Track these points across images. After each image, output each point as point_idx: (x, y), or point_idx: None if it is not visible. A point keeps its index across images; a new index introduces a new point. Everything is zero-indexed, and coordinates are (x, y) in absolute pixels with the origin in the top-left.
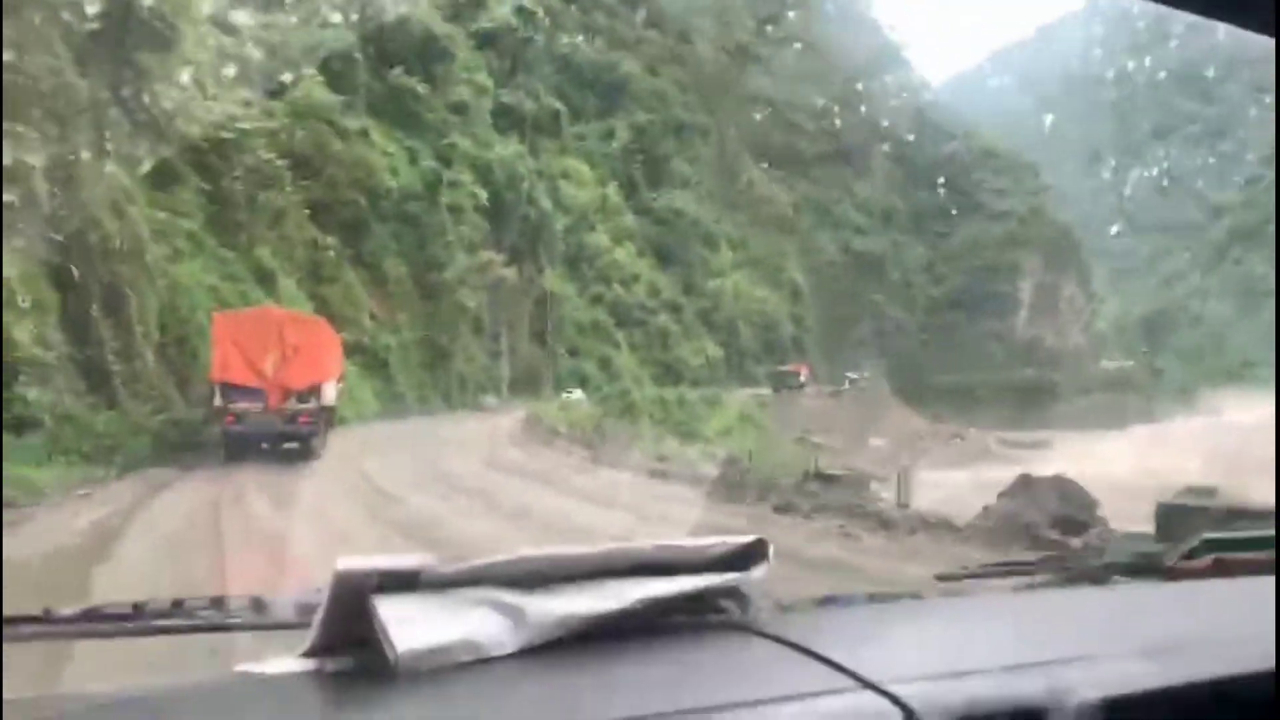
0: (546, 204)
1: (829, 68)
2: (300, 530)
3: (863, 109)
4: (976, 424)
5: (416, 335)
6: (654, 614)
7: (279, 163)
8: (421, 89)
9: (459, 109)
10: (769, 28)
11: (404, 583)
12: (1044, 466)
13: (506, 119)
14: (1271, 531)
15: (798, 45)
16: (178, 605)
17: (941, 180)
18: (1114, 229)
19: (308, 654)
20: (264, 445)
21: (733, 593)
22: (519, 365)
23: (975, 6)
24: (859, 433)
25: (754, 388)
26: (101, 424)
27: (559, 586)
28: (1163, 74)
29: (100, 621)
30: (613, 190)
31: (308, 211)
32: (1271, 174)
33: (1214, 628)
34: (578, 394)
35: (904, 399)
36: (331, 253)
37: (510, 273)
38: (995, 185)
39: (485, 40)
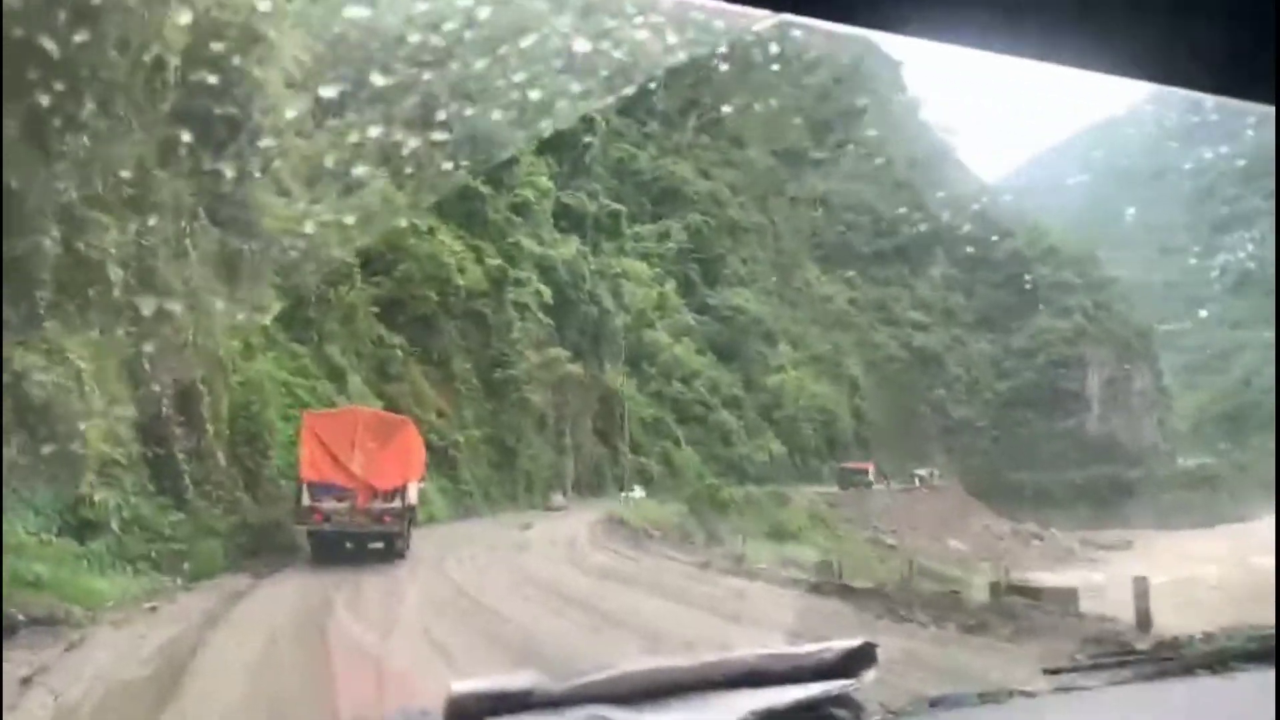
0: (608, 302)
1: (882, 169)
2: (397, 647)
3: (918, 208)
4: (1052, 523)
5: (483, 433)
6: None
7: (349, 260)
8: (485, 189)
9: (521, 209)
10: (822, 132)
11: (516, 704)
12: (1132, 567)
13: (567, 220)
14: None
15: (850, 147)
16: None
17: (1003, 277)
18: (1188, 323)
19: None
20: (348, 545)
21: (844, 700)
22: (583, 462)
23: (1038, 101)
24: (934, 532)
25: (818, 485)
26: (170, 526)
27: (669, 700)
28: (1241, 162)
29: None
30: (670, 288)
31: (376, 309)
32: None
33: None
34: (639, 492)
35: (976, 497)
36: (399, 350)
37: (576, 368)
38: (1058, 279)
39: (545, 144)
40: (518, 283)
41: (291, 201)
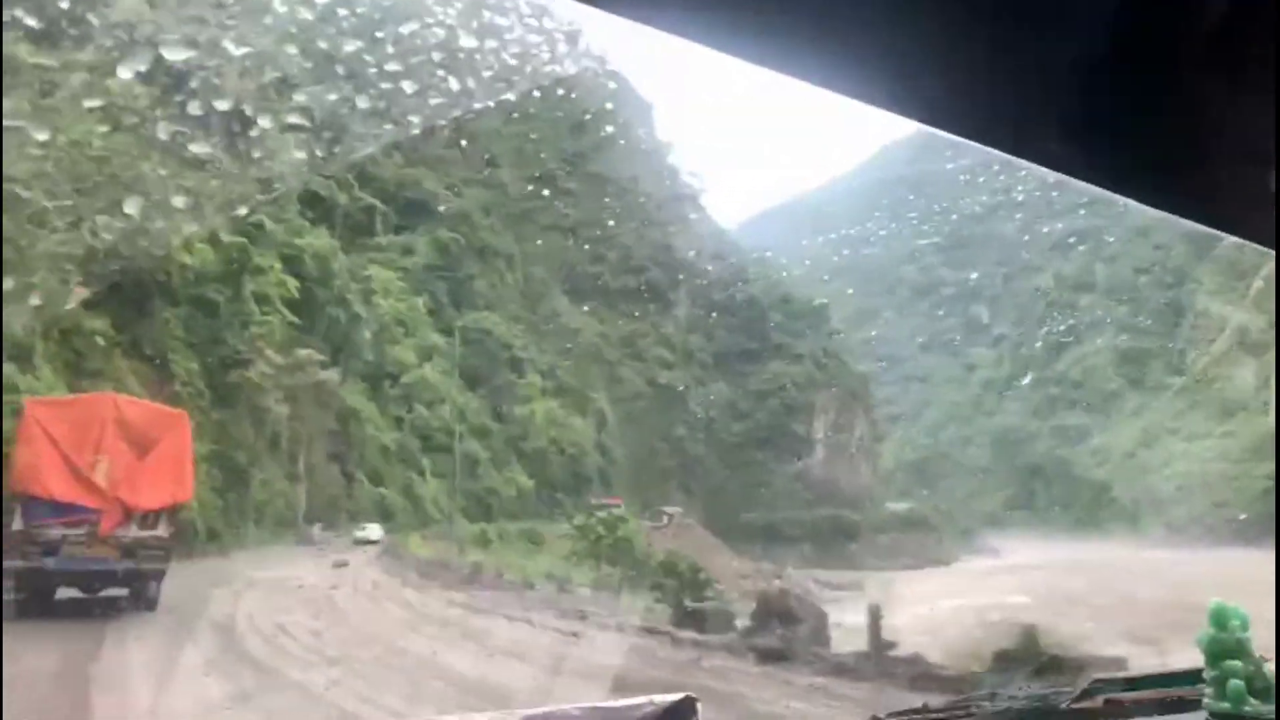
0: (358, 306)
1: (632, 206)
2: None
3: (665, 248)
4: (783, 562)
5: (209, 449)
6: None
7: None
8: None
9: (264, 185)
10: (574, 163)
11: None
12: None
13: (314, 210)
14: (1156, 673)
15: (605, 183)
16: None
17: (741, 320)
18: (885, 379)
19: None
20: (79, 591)
21: None
22: (316, 491)
23: (784, 152)
24: None
25: (566, 522)
26: None
27: None
28: (934, 239)
29: None
30: (421, 303)
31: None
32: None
33: None
34: (375, 529)
35: (713, 536)
36: (99, 339)
37: (330, 376)
38: (792, 328)
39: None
40: (258, 269)
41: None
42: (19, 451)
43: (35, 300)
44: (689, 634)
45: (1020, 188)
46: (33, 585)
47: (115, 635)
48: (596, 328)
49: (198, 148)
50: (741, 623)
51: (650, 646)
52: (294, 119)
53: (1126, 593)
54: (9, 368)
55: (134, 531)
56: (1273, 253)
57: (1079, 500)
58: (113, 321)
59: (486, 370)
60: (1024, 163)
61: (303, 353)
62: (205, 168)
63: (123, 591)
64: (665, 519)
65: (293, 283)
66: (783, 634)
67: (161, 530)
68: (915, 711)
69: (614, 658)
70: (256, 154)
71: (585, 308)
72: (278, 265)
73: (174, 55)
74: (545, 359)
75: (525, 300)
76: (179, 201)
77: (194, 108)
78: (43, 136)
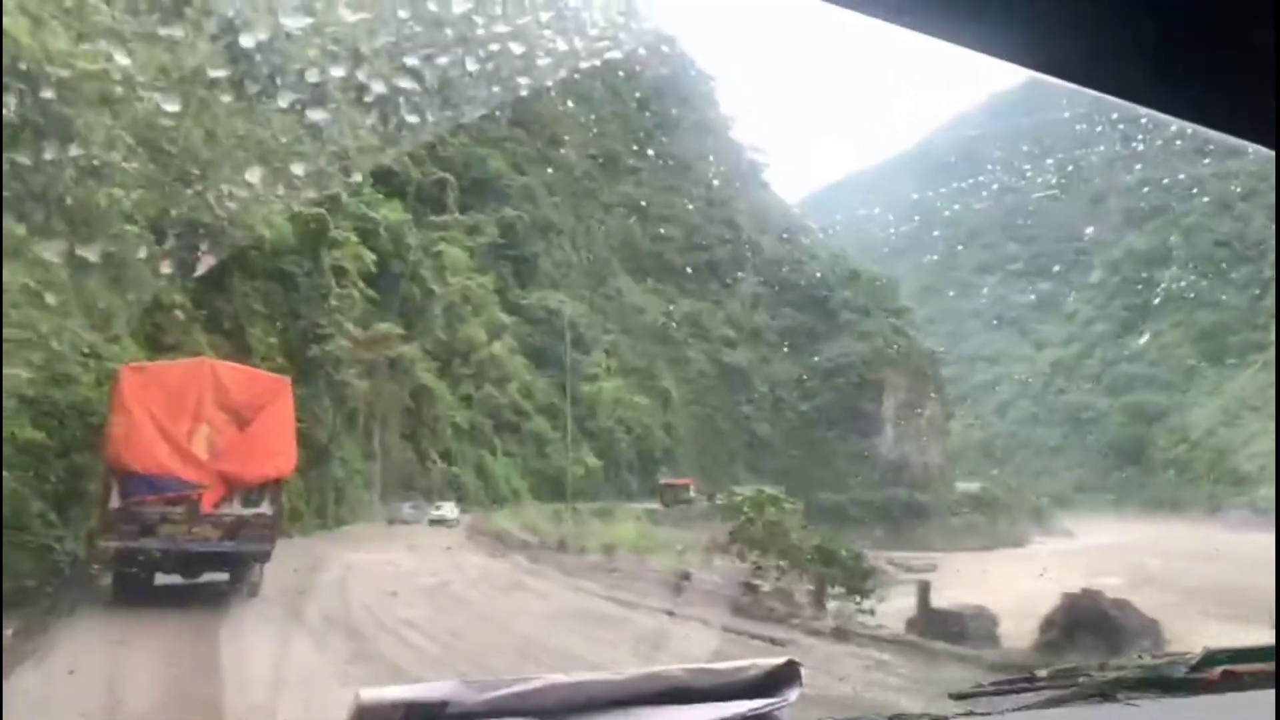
0: (432, 281)
1: (695, 184)
2: None
3: (729, 225)
4: (851, 543)
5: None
6: None
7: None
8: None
9: (341, 155)
10: (637, 141)
11: (430, 714)
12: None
13: (385, 184)
14: (1271, 644)
15: (667, 160)
16: None
17: (807, 298)
18: (950, 358)
19: None
20: (179, 576)
21: (765, 718)
22: (390, 469)
23: (841, 120)
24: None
25: (638, 501)
26: None
27: (590, 715)
28: (1000, 213)
29: None
30: (489, 281)
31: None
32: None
33: None
34: (451, 507)
35: None
36: (179, 311)
37: (410, 350)
38: (859, 304)
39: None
40: (335, 243)
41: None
42: (114, 422)
43: (166, 268)
44: (940, 645)
45: (1083, 155)
46: (131, 568)
47: (225, 627)
48: (660, 306)
49: (315, 114)
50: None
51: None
52: (405, 83)
53: (1210, 574)
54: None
55: (237, 509)
56: None
57: (1155, 480)
58: (192, 294)
59: (552, 349)
60: (1091, 131)
61: (382, 326)
62: (322, 135)
63: (223, 576)
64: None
65: (369, 256)
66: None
67: (266, 507)
68: (1024, 679)
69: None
70: (370, 120)
71: (649, 285)
72: (353, 238)
73: (292, 22)
74: (609, 338)
75: (589, 279)
76: (298, 169)
77: (311, 75)
78: (173, 108)
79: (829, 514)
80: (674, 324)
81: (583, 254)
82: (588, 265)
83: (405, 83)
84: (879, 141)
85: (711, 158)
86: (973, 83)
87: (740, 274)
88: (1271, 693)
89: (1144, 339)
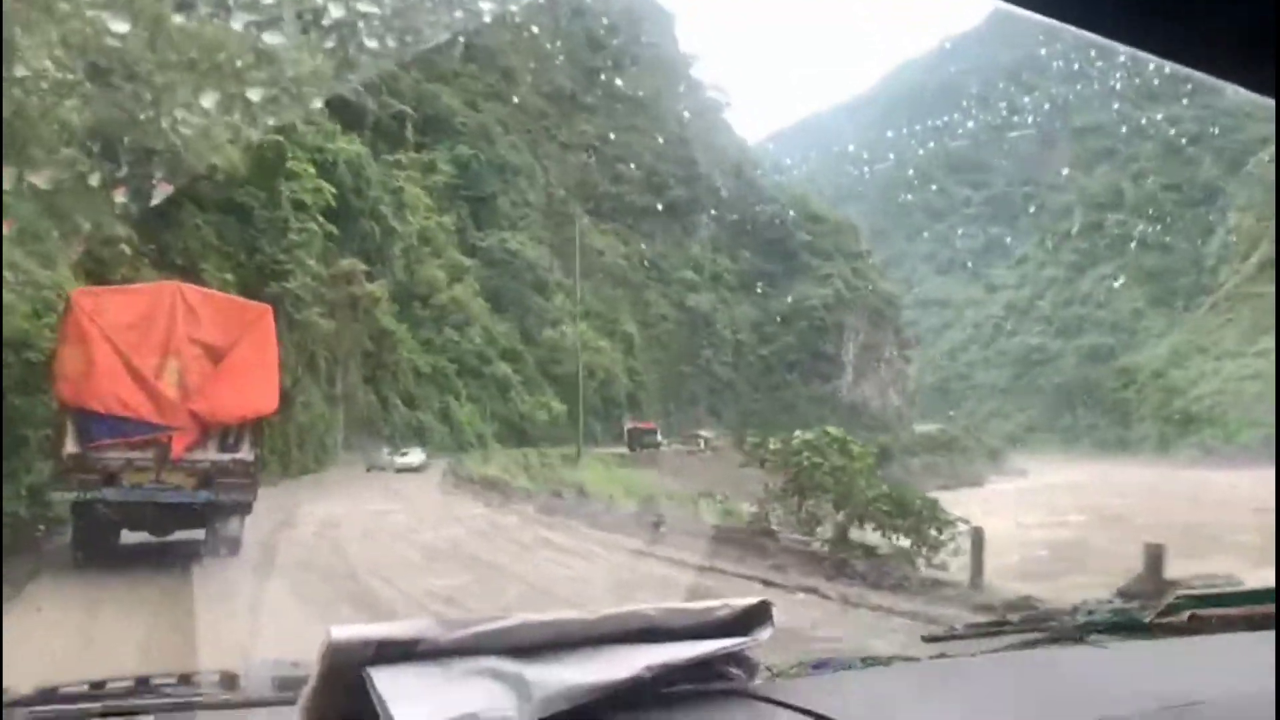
0: (392, 219)
1: (654, 122)
2: None
3: (689, 165)
4: None
5: None
6: (660, 681)
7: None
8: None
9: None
10: (592, 79)
11: (401, 652)
12: None
13: (341, 117)
14: (1241, 589)
15: (623, 98)
16: (142, 682)
17: (766, 241)
18: (903, 302)
19: None
20: (147, 534)
21: (738, 658)
22: (352, 414)
23: (803, 60)
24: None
25: (603, 445)
26: None
27: (562, 654)
28: (951, 156)
29: (59, 702)
30: (449, 221)
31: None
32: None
33: (1202, 685)
34: (414, 453)
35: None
36: (125, 246)
37: (376, 290)
38: (819, 247)
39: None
40: (292, 174)
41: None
42: (65, 354)
43: (120, 196)
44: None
45: (1036, 99)
46: (91, 524)
47: (209, 594)
48: (620, 249)
49: (271, 38)
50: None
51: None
52: (365, 6)
53: (1168, 512)
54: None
55: (212, 454)
56: None
57: (1105, 421)
58: (138, 227)
59: (514, 292)
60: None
61: (345, 263)
62: (277, 60)
63: (198, 533)
64: (701, 443)
65: (329, 189)
66: None
67: (245, 452)
68: (995, 623)
69: None
70: (329, 44)
71: (608, 228)
72: (311, 170)
73: None
74: (570, 281)
75: (547, 220)
76: (254, 95)
77: None
78: (121, 28)
79: None
80: (634, 267)
81: (540, 195)
82: (545, 206)
83: (365, 5)
84: (835, 84)
85: (670, 97)
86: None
87: (700, 216)
88: (1234, 636)
89: (1091, 283)
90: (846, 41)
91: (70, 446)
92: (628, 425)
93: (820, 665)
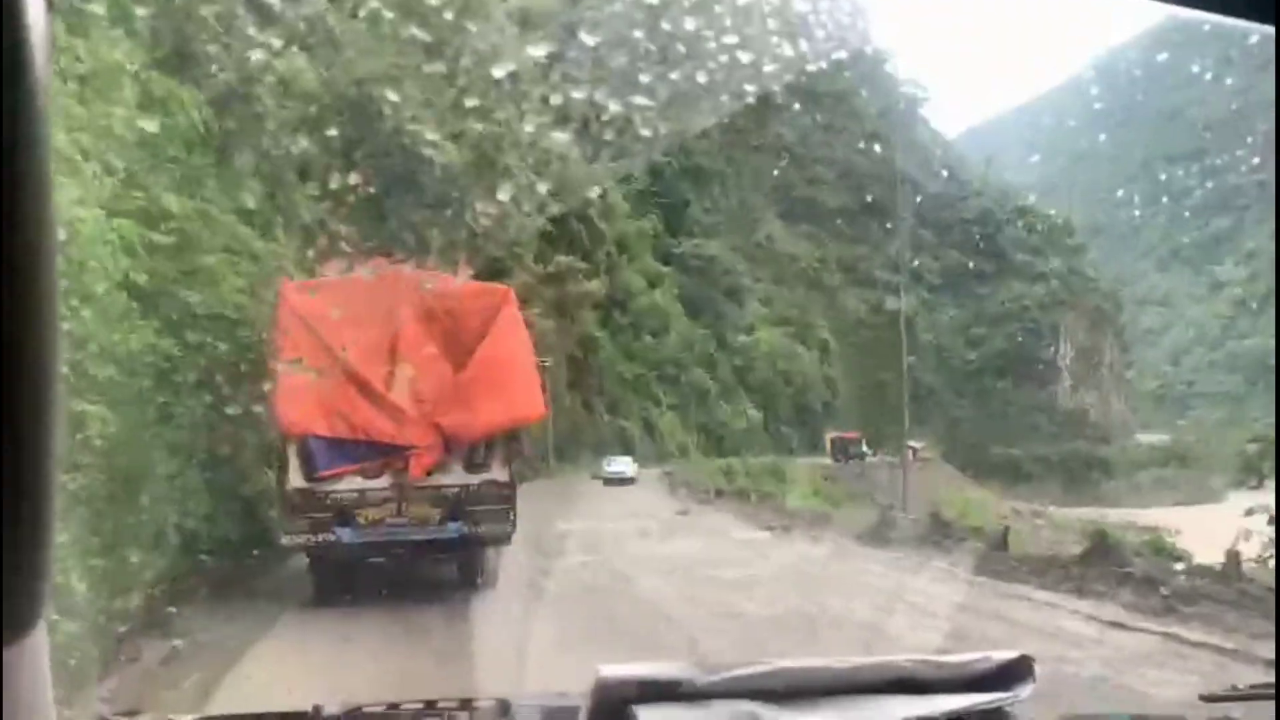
0: (598, 220)
1: (849, 122)
2: None
3: (885, 163)
4: (1024, 499)
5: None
6: None
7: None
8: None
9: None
10: (785, 77)
11: (665, 692)
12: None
13: (556, 113)
14: None
15: (815, 95)
16: (430, 706)
17: (972, 238)
18: (1121, 300)
19: None
20: (386, 562)
21: (997, 714)
22: (560, 421)
23: (1006, 60)
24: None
25: (799, 456)
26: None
27: (818, 701)
28: (1169, 146)
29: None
30: (646, 226)
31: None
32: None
33: None
34: (621, 462)
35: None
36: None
37: (594, 286)
38: (1029, 244)
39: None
40: (507, 170)
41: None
42: (280, 363)
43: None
44: None
45: (1262, 78)
46: (328, 568)
47: (478, 644)
48: (815, 251)
49: (558, 135)
50: None
51: None
52: (640, 99)
53: None
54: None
55: (460, 475)
56: None
57: None
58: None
59: (707, 299)
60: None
61: (563, 259)
62: (564, 157)
63: (452, 561)
64: (911, 454)
65: (543, 185)
66: None
67: (498, 471)
68: (1276, 684)
69: None
70: (607, 136)
71: (802, 231)
72: (528, 164)
73: (536, 51)
74: (763, 286)
75: (740, 225)
76: (542, 188)
77: (555, 99)
78: (432, 136)
79: (1002, 469)
80: (829, 270)
81: (732, 199)
82: (737, 211)
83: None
84: (1032, 75)
85: (865, 93)
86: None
87: (898, 215)
88: None
89: None
90: (1048, 26)
91: (295, 480)
92: (830, 435)
93: None
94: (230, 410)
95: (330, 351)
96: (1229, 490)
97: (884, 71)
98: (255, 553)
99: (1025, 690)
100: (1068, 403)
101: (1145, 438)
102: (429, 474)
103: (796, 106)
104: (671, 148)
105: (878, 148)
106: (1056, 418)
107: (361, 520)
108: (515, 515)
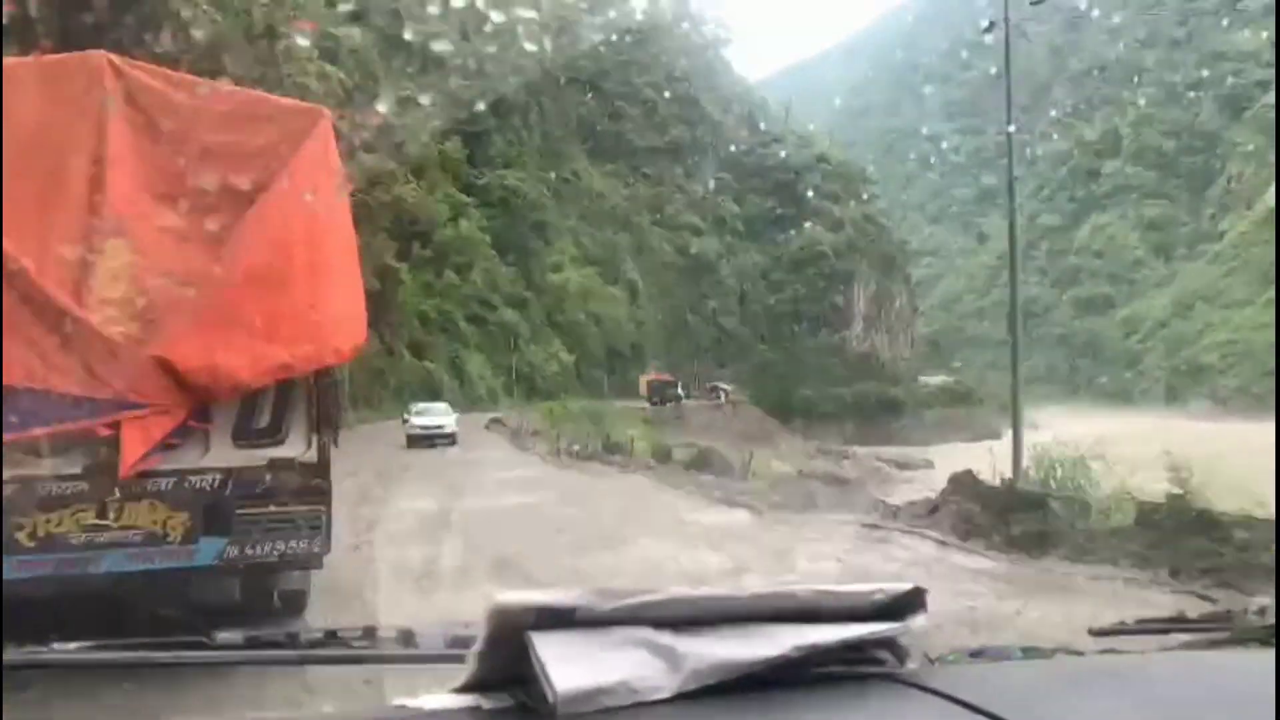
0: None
1: (654, 60)
2: None
3: (691, 104)
4: (823, 439)
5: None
6: (809, 662)
7: None
8: None
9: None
10: (591, 12)
11: (560, 619)
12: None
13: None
14: None
15: (618, 29)
16: (331, 635)
17: (772, 184)
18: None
19: (464, 689)
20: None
21: (890, 643)
22: (355, 364)
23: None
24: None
25: (611, 399)
26: None
27: (713, 629)
28: (942, 103)
29: (260, 649)
30: (450, 149)
31: None
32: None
33: None
34: (437, 408)
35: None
36: None
37: (410, 190)
38: (828, 190)
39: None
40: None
41: None
42: None
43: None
44: None
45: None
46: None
47: None
48: (621, 190)
49: (439, 45)
50: None
51: None
52: (524, 11)
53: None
54: None
55: (223, 453)
56: None
57: (1109, 372)
58: None
59: (515, 234)
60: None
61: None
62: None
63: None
64: (722, 396)
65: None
66: None
67: (294, 444)
68: (1170, 619)
69: None
70: (490, 48)
71: (608, 169)
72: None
73: None
74: (570, 224)
75: (546, 159)
76: (424, 99)
77: (433, 6)
78: (304, 42)
79: (802, 409)
80: (636, 210)
81: (536, 133)
82: (541, 145)
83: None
84: (825, 29)
85: (671, 33)
86: None
87: (703, 157)
88: None
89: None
90: None
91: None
92: (646, 378)
93: (977, 653)
94: None
95: None
96: (1004, 429)
97: (689, 9)
98: None
99: (918, 620)
100: (859, 347)
101: (930, 379)
102: (163, 452)
103: (598, 39)
104: (470, 72)
105: (683, 87)
106: (850, 360)
107: (24, 538)
108: (329, 521)
